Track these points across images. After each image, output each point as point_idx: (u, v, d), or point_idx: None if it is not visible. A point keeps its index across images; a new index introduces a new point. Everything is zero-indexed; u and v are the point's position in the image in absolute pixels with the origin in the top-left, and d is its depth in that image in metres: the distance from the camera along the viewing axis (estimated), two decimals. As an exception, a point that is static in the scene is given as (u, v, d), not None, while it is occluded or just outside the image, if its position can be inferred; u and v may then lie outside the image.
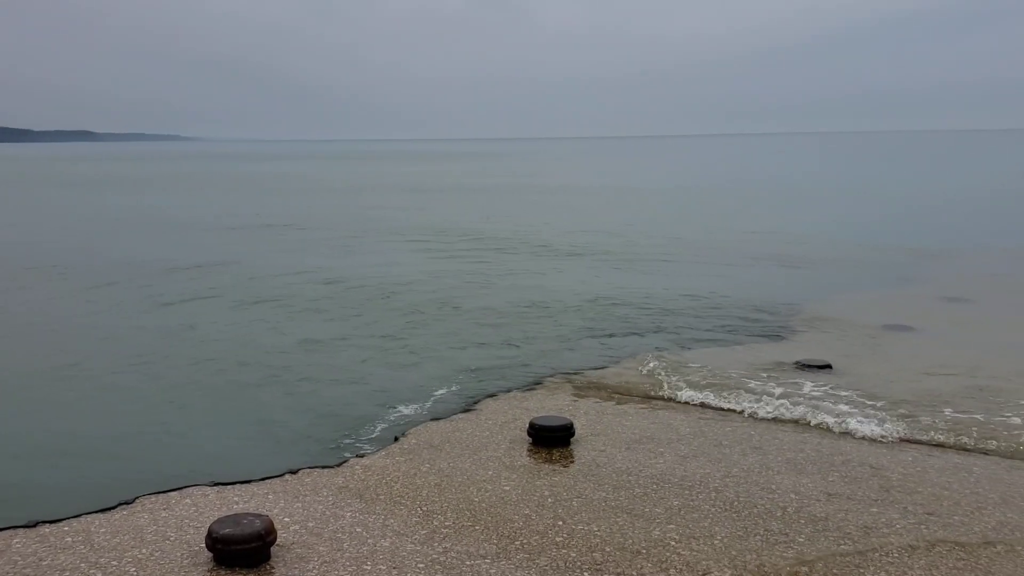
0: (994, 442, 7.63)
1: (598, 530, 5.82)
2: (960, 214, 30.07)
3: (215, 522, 5.47)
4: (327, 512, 6.16)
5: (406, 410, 8.73)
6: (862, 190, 43.43)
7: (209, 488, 6.72)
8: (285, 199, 41.41)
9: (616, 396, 9.12)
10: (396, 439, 7.85)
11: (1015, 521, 5.96)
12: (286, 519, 6.01)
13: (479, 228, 26.49)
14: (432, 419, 8.43)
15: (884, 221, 27.96)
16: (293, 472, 7.06)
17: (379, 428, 8.21)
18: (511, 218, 30.23)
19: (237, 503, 6.36)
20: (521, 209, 34.50)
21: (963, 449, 7.48)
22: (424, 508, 6.22)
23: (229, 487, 6.74)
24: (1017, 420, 8.21)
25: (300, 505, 6.31)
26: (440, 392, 9.36)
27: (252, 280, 16.98)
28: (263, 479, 6.90)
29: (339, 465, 7.21)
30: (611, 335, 12.09)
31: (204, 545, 5.45)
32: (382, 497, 6.44)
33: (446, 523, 5.95)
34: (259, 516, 5.51)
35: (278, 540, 5.54)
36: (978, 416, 8.35)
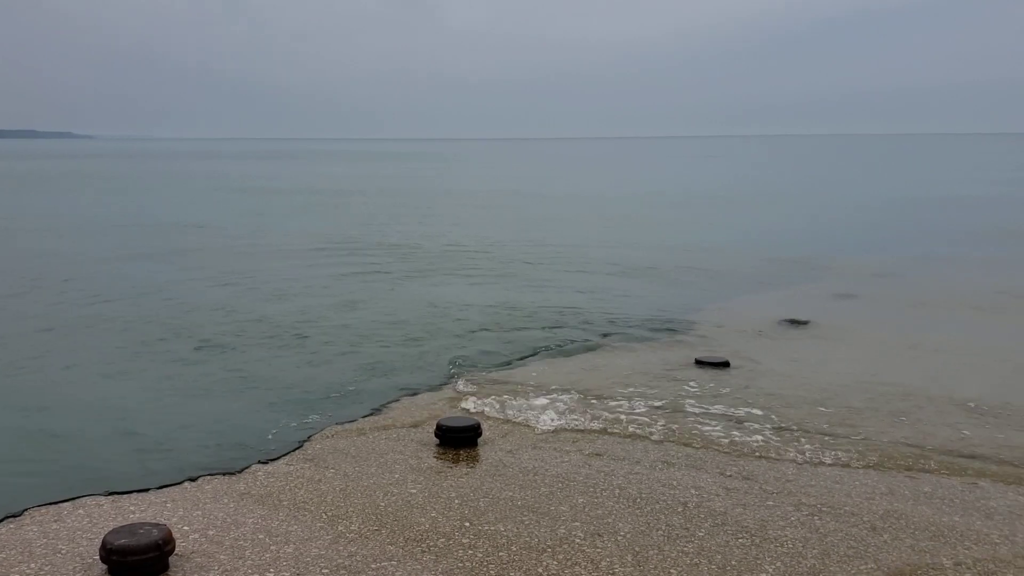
0: (884, 435, 7.97)
1: (505, 530, 5.86)
2: (873, 220, 31.20)
3: (109, 533, 5.29)
4: (228, 519, 6.03)
5: (311, 415, 8.61)
6: (782, 195, 44.63)
7: (104, 498, 6.49)
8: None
9: (523, 396, 9.18)
10: (300, 445, 7.73)
11: (900, 510, 6.24)
12: (185, 528, 5.86)
13: (375, 233, 26.30)
14: (337, 424, 8.33)
15: (796, 227, 28.81)
16: (193, 480, 6.88)
17: (283, 434, 8.06)
18: (426, 222, 30.10)
19: (134, 513, 6.17)
20: (442, 213, 34.39)
21: (854, 440, 7.79)
22: (329, 513, 6.14)
23: (125, 496, 6.53)
24: (903, 414, 8.59)
25: (200, 513, 6.15)
26: (346, 397, 9.27)
27: (150, 279, 16.48)
28: (161, 487, 6.71)
29: (241, 472, 7.06)
30: (519, 336, 12.17)
31: (98, 557, 5.26)
32: (285, 503, 6.34)
33: (351, 528, 5.90)
34: (157, 525, 5.36)
35: (177, 550, 5.39)
36: (867, 410, 8.71)
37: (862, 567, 5.34)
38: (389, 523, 5.97)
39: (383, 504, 6.31)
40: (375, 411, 8.74)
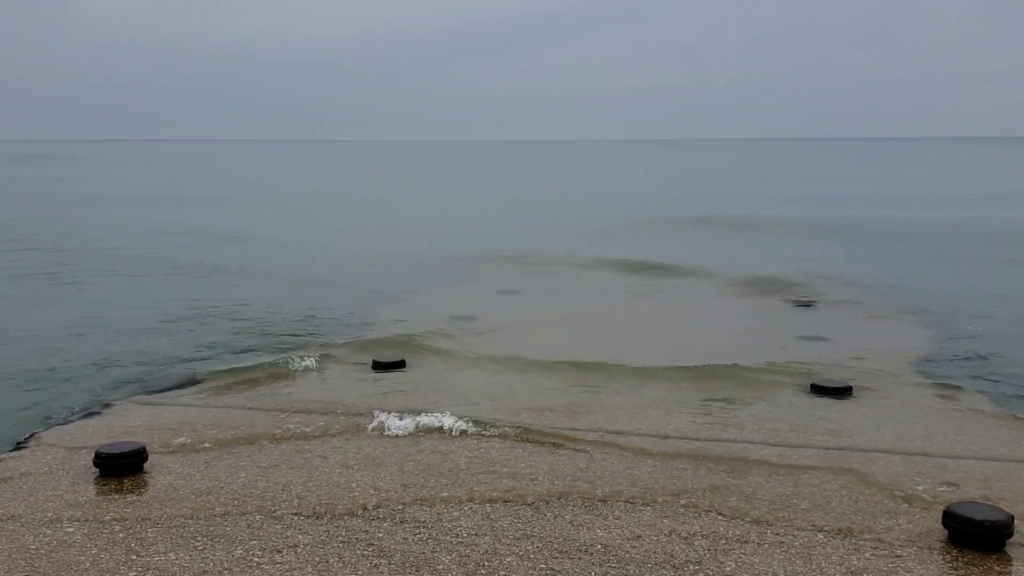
0: (544, 419, 8.60)
1: (176, 558, 5.58)
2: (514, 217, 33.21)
3: None
4: None
5: (-59, 455, 7.60)
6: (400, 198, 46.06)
7: None
8: None
9: (192, 412, 8.77)
10: (-71, 490, 6.80)
11: (560, 488, 6.79)
12: None
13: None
14: (-24, 461, 7.43)
15: (435, 227, 29.96)
16: None
17: (-95, 480, 7.04)
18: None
19: None
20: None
21: (518, 428, 8.32)
22: (-32, 567, 5.48)
23: None
24: (561, 408, 9.35)
25: None
26: (-15, 429, 8.28)
27: None
28: None
29: None
30: (189, 350, 11.60)
31: None
32: (-88, 562, 5.56)
33: (-4, 579, 5.31)
34: None
35: None
36: (528, 402, 9.36)
37: (529, 547, 5.77)
38: (43, 567, 5.45)
39: (34, 547, 5.73)
40: (22, 443, 7.90)
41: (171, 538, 5.89)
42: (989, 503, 6.13)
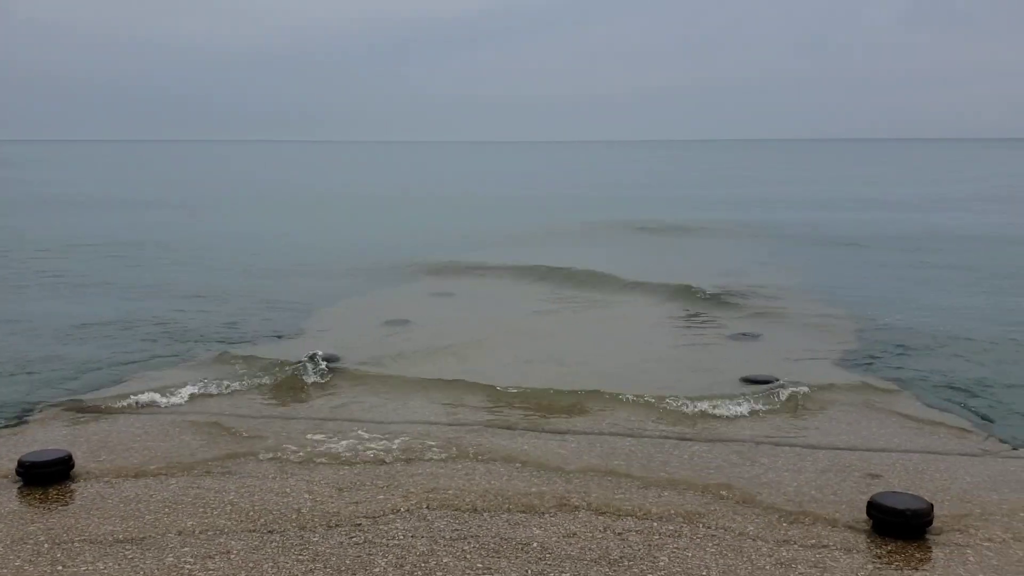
0: (485, 415, 8.63)
1: (105, 568, 5.45)
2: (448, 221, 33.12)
3: None
4: None
5: None
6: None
7: None
8: None
9: (120, 419, 8.57)
10: None
11: (496, 488, 6.81)
12: None
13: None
14: None
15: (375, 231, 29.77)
16: None
17: None
18: None
19: None
20: None
21: (457, 424, 8.33)
22: None
23: None
24: (504, 401, 9.38)
25: None
26: (-101, 440, 7.97)
27: None
28: None
29: None
30: (114, 353, 11.33)
31: None
32: None
33: (-87, 595, 5.12)
34: None
35: None
36: (471, 401, 9.37)
37: (465, 547, 5.78)
38: (-37, 582, 5.29)
39: (-46, 562, 5.55)
40: (-61, 455, 7.63)
41: (99, 548, 5.75)
42: (911, 493, 6.34)
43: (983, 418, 8.80)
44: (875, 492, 6.36)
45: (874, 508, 6.03)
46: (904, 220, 30.83)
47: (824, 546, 5.81)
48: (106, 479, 7.00)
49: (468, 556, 5.64)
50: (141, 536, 5.92)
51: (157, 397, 9.23)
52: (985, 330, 12.82)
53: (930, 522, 5.98)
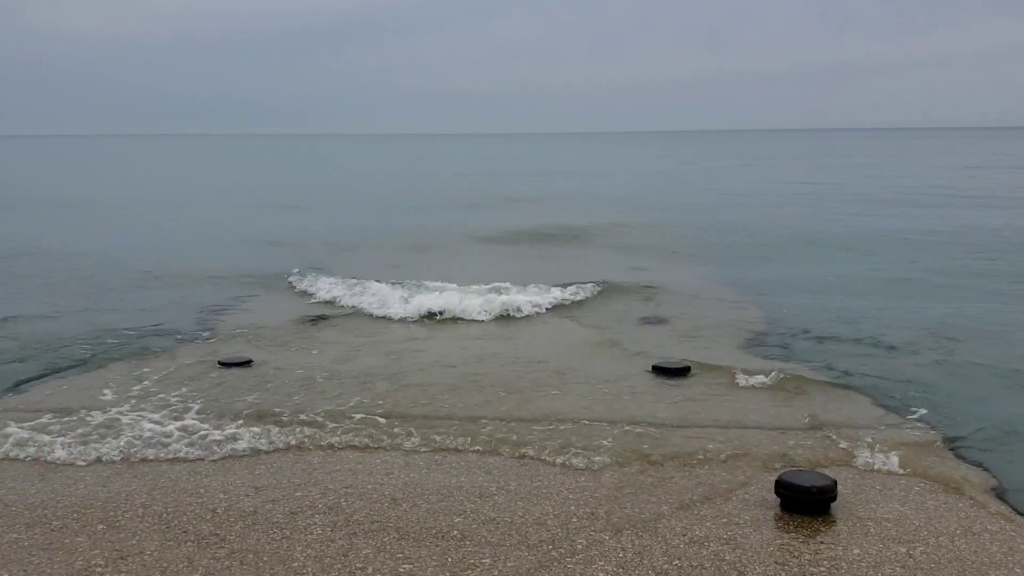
0: (409, 407, 8.62)
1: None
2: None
3: None
4: None
5: None
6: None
7: None
8: None
9: (29, 421, 8.27)
10: None
11: (415, 480, 6.84)
12: None
13: None
14: None
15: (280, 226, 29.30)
16: None
17: None
18: None
19: None
20: None
21: (375, 423, 8.30)
22: None
23: None
24: (423, 394, 9.38)
25: None
26: None
27: None
28: None
29: None
30: (13, 352, 10.91)
31: None
32: None
33: None
34: None
35: None
36: (382, 400, 9.35)
37: (385, 539, 5.79)
38: None
39: None
40: None
41: (4, 555, 5.57)
42: (816, 471, 6.60)
43: (885, 394, 9.15)
44: (782, 471, 6.60)
45: (781, 486, 6.27)
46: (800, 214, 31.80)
47: (735, 524, 6.01)
48: (10, 485, 6.76)
49: (388, 547, 5.65)
50: (48, 542, 5.75)
51: (61, 396, 8.91)
52: (882, 309, 13.35)
53: (834, 498, 6.24)
